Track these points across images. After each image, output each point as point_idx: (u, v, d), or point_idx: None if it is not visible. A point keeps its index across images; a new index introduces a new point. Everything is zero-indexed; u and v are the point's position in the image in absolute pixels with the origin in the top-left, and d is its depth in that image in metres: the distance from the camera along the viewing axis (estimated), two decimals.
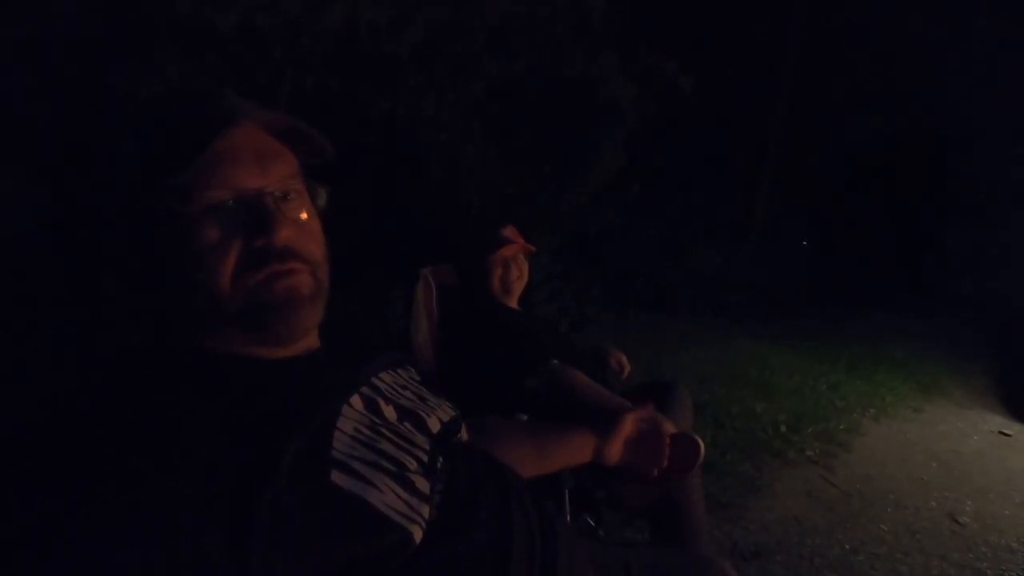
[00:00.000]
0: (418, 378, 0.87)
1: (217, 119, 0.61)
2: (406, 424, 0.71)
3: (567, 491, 1.36)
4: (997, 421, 4.22)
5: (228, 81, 2.34)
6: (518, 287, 1.96)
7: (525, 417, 1.56)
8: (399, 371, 0.83)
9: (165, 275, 0.63)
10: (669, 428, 1.21)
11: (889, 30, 9.71)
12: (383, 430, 0.66)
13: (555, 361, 1.63)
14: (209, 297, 0.62)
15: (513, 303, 1.95)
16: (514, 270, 1.93)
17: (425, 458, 0.67)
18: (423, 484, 0.63)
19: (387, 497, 0.59)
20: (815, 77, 10.23)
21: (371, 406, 0.69)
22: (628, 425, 1.04)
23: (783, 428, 3.52)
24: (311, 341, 0.73)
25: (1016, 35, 8.92)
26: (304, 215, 0.68)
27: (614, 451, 1.02)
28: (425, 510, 0.62)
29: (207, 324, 0.64)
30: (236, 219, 0.62)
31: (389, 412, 0.71)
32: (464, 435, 0.83)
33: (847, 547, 2.35)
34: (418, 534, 0.59)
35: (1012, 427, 4.07)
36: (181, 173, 0.59)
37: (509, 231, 1.94)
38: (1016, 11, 8.87)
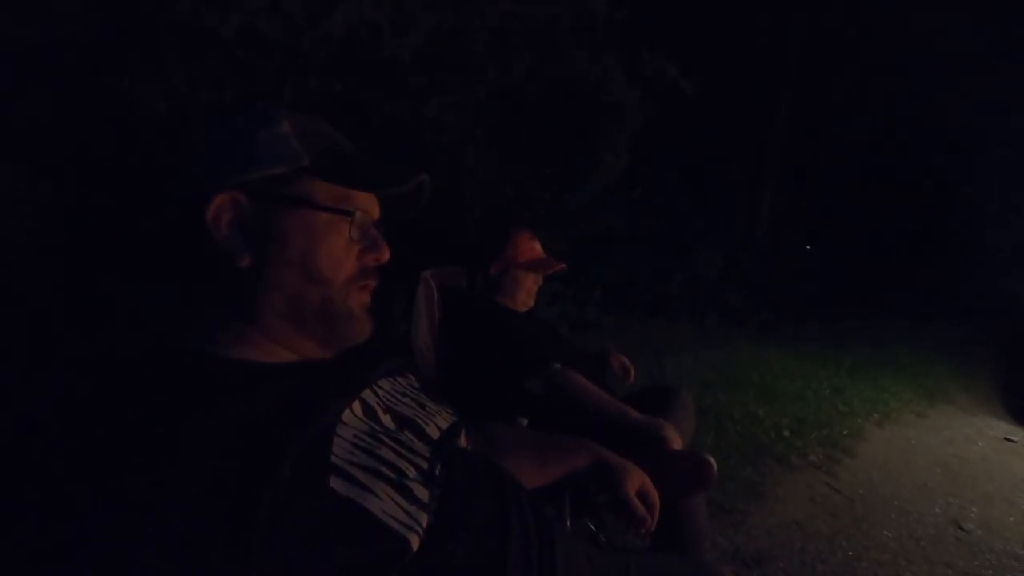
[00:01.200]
0: (418, 385, 0.87)
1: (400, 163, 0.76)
2: (405, 431, 0.72)
3: (567, 495, 1.35)
4: (1002, 427, 4.21)
5: (230, 85, 2.34)
6: (530, 302, 1.98)
7: (526, 421, 1.56)
8: (399, 378, 0.84)
9: (270, 259, 0.68)
10: (678, 444, 1.21)
11: (891, 31, 9.71)
12: (383, 437, 0.67)
13: (556, 364, 1.63)
14: (325, 286, 0.70)
15: (515, 306, 1.95)
16: (538, 283, 1.97)
17: (424, 465, 0.68)
18: (422, 492, 0.64)
19: (385, 504, 0.59)
20: (818, 78, 10.22)
21: (370, 413, 0.70)
22: (636, 479, 1.02)
23: (786, 433, 3.52)
24: (313, 348, 0.73)
25: (1019, 37, 8.92)
26: None
27: (615, 484, 1.01)
28: (423, 518, 0.62)
29: (278, 316, 0.69)
30: (360, 234, 0.73)
31: (388, 420, 0.71)
32: (463, 441, 0.83)
33: (850, 553, 2.34)
34: (415, 542, 0.60)
35: (1017, 433, 4.06)
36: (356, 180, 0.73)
37: (538, 245, 1.95)
38: (1018, 12, 8.87)
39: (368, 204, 0.75)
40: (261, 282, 0.68)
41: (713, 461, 1.18)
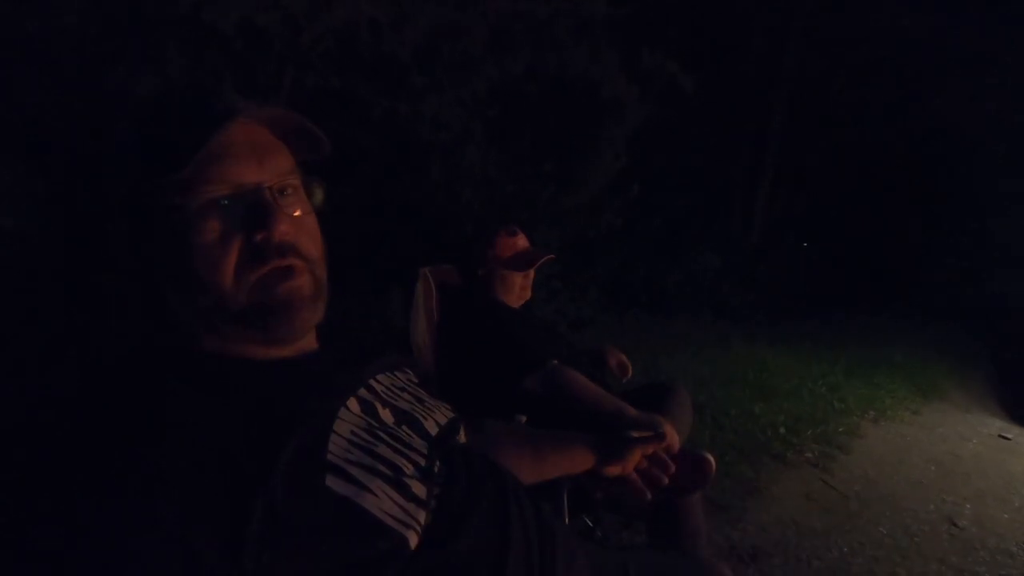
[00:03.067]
0: (416, 380, 0.86)
1: (215, 115, 0.61)
2: (404, 428, 0.70)
3: (565, 492, 1.35)
4: (996, 424, 4.22)
5: (228, 79, 2.34)
6: (525, 296, 1.96)
7: (524, 418, 1.55)
8: (397, 374, 0.83)
9: (166, 272, 0.62)
10: (676, 444, 1.20)
11: (889, 32, 9.71)
12: (380, 434, 0.66)
13: (554, 361, 1.62)
14: (211, 294, 0.61)
15: (513, 303, 1.93)
16: (529, 278, 1.94)
17: (423, 462, 0.67)
18: (420, 489, 0.63)
19: (382, 502, 0.58)
20: (815, 77, 10.22)
21: (368, 409, 0.69)
22: (634, 458, 1.01)
23: (782, 430, 3.52)
24: (308, 343, 0.72)
25: (1015, 38, 8.94)
26: (301, 211, 0.68)
27: (614, 470, 1.01)
28: (421, 515, 0.61)
29: (208, 322, 0.64)
30: (235, 214, 0.62)
31: (386, 415, 0.70)
32: (462, 437, 0.82)
33: (845, 550, 2.35)
34: (413, 539, 0.59)
35: (1011, 430, 4.07)
36: (179, 169, 0.58)
37: (520, 239, 1.92)
38: (1016, 15, 8.88)
39: (230, 176, 0.62)
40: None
41: (711, 458, 1.18)
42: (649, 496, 0.99)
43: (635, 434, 1.03)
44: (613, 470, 1.00)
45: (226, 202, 0.61)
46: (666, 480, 0.99)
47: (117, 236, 0.64)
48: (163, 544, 0.46)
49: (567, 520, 1.33)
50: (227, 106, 0.63)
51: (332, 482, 0.56)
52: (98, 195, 0.67)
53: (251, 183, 0.63)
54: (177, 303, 0.63)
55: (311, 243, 0.68)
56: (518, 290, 1.92)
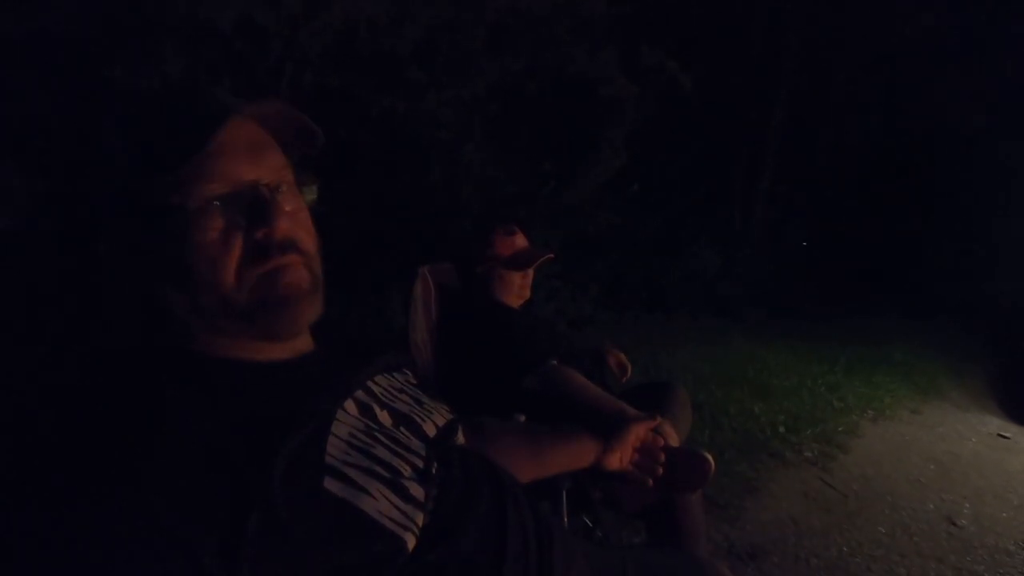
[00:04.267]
0: (415, 381, 0.86)
1: (211, 113, 0.61)
2: (402, 429, 0.70)
3: (564, 491, 1.35)
4: (995, 423, 4.22)
5: (226, 77, 2.33)
6: (525, 295, 1.95)
7: (523, 417, 1.55)
8: (395, 375, 0.82)
9: (165, 271, 0.62)
10: (674, 441, 1.20)
11: (888, 31, 9.71)
12: (378, 435, 0.66)
13: (553, 361, 1.62)
14: (214, 292, 0.62)
15: (512, 302, 1.92)
16: (528, 278, 1.92)
17: (421, 464, 0.67)
18: (418, 491, 0.63)
19: (381, 504, 0.58)
20: (815, 77, 10.22)
21: (366, 411, 0.68)
22: (632, 436, 1.02)
23: (781, 429, 3.52)
24: (305, 343, 0.72)
25: (1014, 36, 8.93)
26: (296, 206, 0.68)
27: (615, 459, 1.01)
28: (419, 517, 0.61)
29: (208, 322, 0.63)
30: (235, 211, 0.62)
31: (384, 417, 0.70)
32: (460, 439, 0.82)
33: (844, 549, 2.35)
34: (411, 542, 0.59)
35: (1010, 429, 4.07)
36: (178, 168, 0.58)
37: (518, 237, 1.91)
38: (1015, 12, 8.87)
39: (229, 173, 0.62)
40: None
41: (711, 457, 1.18)
42: (650, 483, 0.99)
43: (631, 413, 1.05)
44: (613, 458, 1.00)
45: (225, 200, 0.61)
46: (660, 469, 1.00)
47: (112, 236, 0.64)
48: (159, 545, 0.46)
49: (566, 520, 1.33)
50: (221, 104, 0.63)
51: (330, 484, 0.56)
52: (92, 195, 0.66)
53: (249, 180, 0.63)
54: (177, 303, 0.63)
55: (307, 237, 0.69)
56: (517, 289, 1.91)
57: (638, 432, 1.03)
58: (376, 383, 0.76)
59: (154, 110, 0.65)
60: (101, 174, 0.66)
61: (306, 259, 0.67)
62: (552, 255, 1.96)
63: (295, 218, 0.67)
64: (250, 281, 0.63)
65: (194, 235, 0.60)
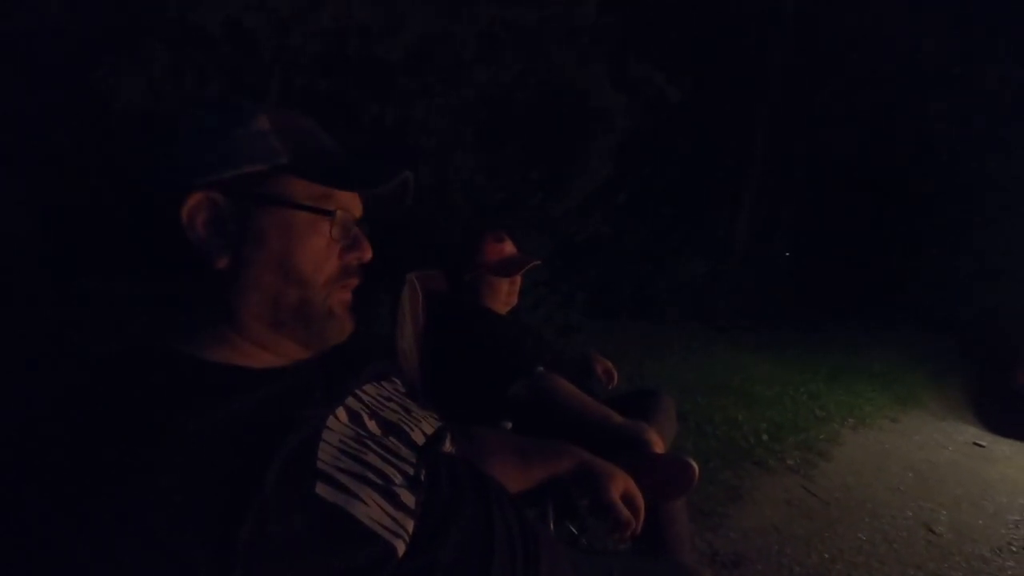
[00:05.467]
0: (403, 390, 0.86)
1: (390, 159, 0.74)
2: (391, 437, 0.71)
3: (550, 499, 1.33)
4: (971, 432, 4.27)
5: (214, 80, 2.31)
6: (512, 301, 1.95)
7: (510, 425, 1.55)
8: (384, 384, 0.83)
9: (261, 258, 0.66)
10: (660, 448, 1.20)
11: (874, 43, 9.84)
12: (369, 442, 0.66)
13: (541, 368, 1.62)
14: (305, 289, 0.68)
15: (500, 309, 1.93)
16: (512, 284, 1.92)
17: (411, 471, 0.67)
18: (408, 498, 0.63)
19: (372, 510, 0.58)
20: (801, 89, 10.30)
21: (356, 419, 0.69)
22: (620, 483, 0.99)
23: (764, 437, 3.55)
24: (298, 352, 0.72)
25: (1004, 51, 9.10)
26: None
27: (599, 488, 0.99)
28: (410, 524, 0.61)
29: (272, 315, 0.68)
30: (343, 233, 0.71)
31: (373, 425, 0.70)
32: (448, 447, 0.83)
33: (825, 556, 2.37)
34: (401, 548, 0.59)
35: (985, 438, 4.12)
36: (351, 189, 0.73)
37: (507, 245, 1.92)
38: (999, 27, 9.04)
39: (350, 202, 0.73)
40: (238, 283, 0.66)
41: (695, 464, 1.18)
42: (625, 536, 0.97)
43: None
44: (602, 487, 0.98)
45: (343, 222, 0.71)
46: (636, 524, 0.97)
47: (131, 233, 0.68)
48: (151, 550, 0.45)
49: (552, 527, 1.33)
50: (392, 156, 0.74)
51: (322, 490, 0.56)
52: (124, 190, 0.71)
53: (356, 214, 0.74)
54: (253, 288, 0.66)
55: None
56: (504, 296, 1.91)
57: (627, 484, 1.00)
58: (365, 392, 0.76)
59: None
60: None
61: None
62: (539, 261, 1.97)
63: None
64: (332, 291, 0.71)
65: (312, 236, 0.68)
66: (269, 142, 0.67)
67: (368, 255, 0.74)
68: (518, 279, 1.94)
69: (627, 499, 0.99)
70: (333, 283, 0.71)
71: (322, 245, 0.69)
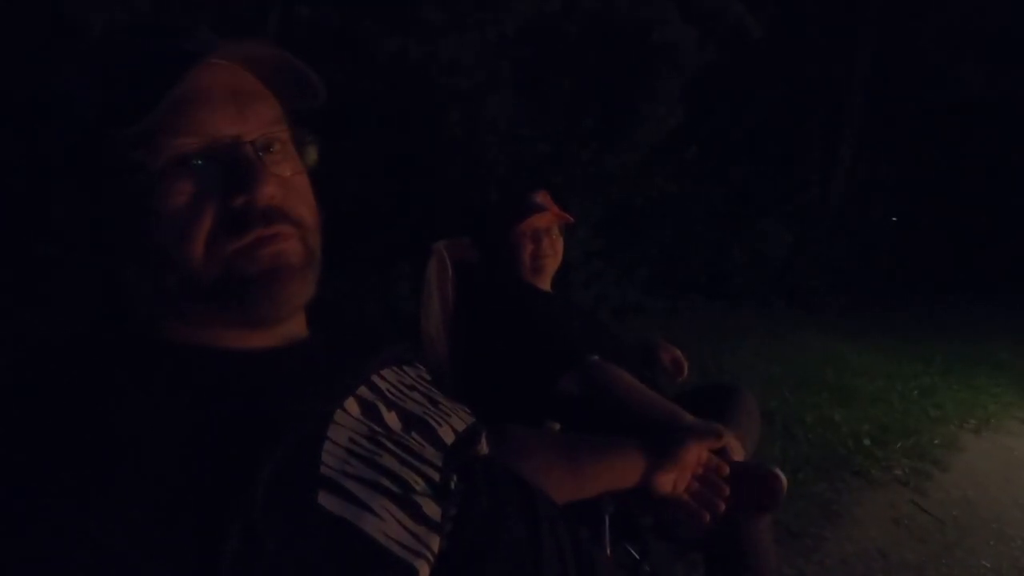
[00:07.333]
0: (428, 378, 0.85)
1: (185, 54, 0.59)
2: (413, 435, 0.70)
3: (607, 516, 1.35)
4: None
5: (206, 14, 2.33)
6: (551, 266, 1.94)
7: (558, 426, 1.55)
8: (405, 369, 0.82)
9: (123, 243, 0.62)
10: (740, 455, 1.20)
11: None
12: (384, 442, 0.65)
13: (595, 357, 1.61)
14: (178, 269, 0.60)
15: (545, 285, 1.94)
16: (546, 245, 1.91)
17: (436, 476, 0.66)
18: (432, 509, 0.62)
19: (387, 525, 0.57)
20: (905, 25, 10.07)
21: (370, 412, 0.68)
22: (692, 457, 1.01)
23: (866, 441, 3.54)
24: (297, 329, 0.71)
25: None
26: (291, 170, 0.67)
27: (667, 482, 1.00)
28: (435, 541, 0.59)
29: (173, 304, 0.63)
30: (209, 173, 0.60)
31: (392, 419, 0.69)
32: (484, 448, 0.81)
33: None
34: (424, 570, 0.57)
35: None
36: (142, 119, 0.56)
37: (541, 197, 1.92)
38: None
39: (205, 124, 0.61)
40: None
41: (782, 475, 1.16)
42: (707, 518, 0.98)
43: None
44: (665, 480, 0.99)
45: (198, 159, 0.60)
46: (722, 505, 0.99)
47: (64, 200, 0.63)
48: None
49: (609, 550, 1.34)
50: (199, 43, 0.61)
51: (326, 500, 0.55)
52: (43, 150, 0.67)
53: (229, 136, 0.61)
54: (136, 281, 0.63)
55: (303, 207, 0.67)
56: (546, 256, 1.91)
57: (699, 453, 1.02)
58: (382, 378, 0.75)
59: (120, 51, 0.64)
60: (53, 124, 0.65)
61: (299, 230, 0.66)
62: (572, 218, 1.97)
63: (288, 183, 0.65)
64: (223, 257, 0.61)
65: (158, 200, 0.59)
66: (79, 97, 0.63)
67: (262, 189, 0.61)
68: (560, 243, 1.95)
69: (705, 476, 1.02)
70: (221, 243, 0.60)
71: (177, 205, 0.59)
